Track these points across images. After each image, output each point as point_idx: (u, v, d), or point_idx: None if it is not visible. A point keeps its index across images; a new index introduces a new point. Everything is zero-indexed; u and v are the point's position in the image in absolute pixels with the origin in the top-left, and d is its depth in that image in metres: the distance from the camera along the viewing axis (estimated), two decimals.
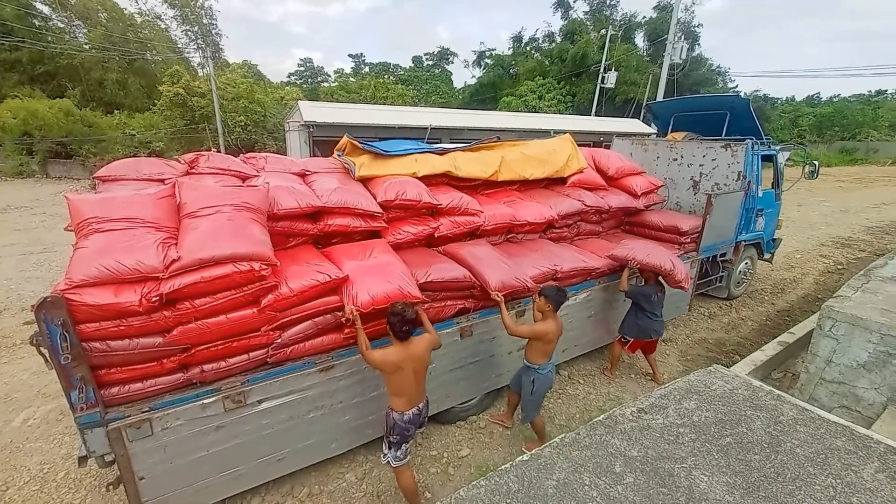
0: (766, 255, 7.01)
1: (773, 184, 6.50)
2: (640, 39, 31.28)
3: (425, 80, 40.92)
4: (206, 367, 2.60)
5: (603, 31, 26.22)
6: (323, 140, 10.55)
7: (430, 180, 4.15)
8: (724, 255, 5.93)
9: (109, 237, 2.44)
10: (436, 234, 3.88)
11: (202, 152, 3.61)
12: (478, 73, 36.98)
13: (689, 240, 5.23)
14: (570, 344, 4.41)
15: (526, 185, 4.98)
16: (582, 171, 5.17)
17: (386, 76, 37.96)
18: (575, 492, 1.73)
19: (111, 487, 2.69)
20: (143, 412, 2.44)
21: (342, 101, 24.44)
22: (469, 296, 3.58)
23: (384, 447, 2.89)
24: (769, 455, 1.93)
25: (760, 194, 6.06)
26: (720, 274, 6.22)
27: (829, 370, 3.58)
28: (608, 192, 5.30)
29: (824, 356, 3.63)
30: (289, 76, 42.97)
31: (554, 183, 5.17)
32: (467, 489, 1.74)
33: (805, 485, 1.77)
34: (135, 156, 16.69)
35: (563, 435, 2.07)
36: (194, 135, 21.17)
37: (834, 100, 41.66)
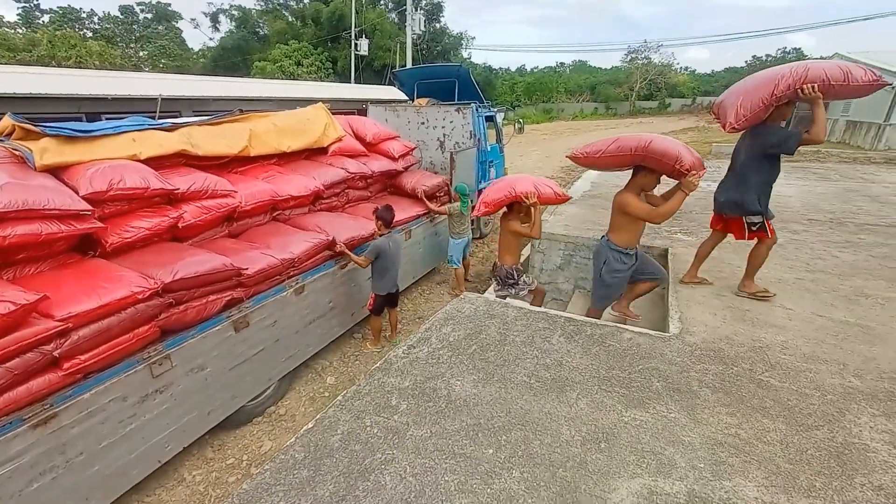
0: None
1: (496, 139, 8.06)
2: (386, 6, 32.23)
3: (146, 38, 32.59)
4: None
5: None
6: None
7: (161, 162, 3.49)
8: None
9: None
10: (180, 225, 3.33)
11: None
12: (216, 34, 31.74)
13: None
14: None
15: (285, 158, 4.74)
16: (341, 140, 5.23)
17: (72, 27, 28.42)
18: (359, 436, 1.90)
19: None
20: None
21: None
22: (236, 285, 3.28)
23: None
24: (500, 349, 2.54)
25: (489, 149, 7.44)
26: (472, 218, 7.47)
27: (542, 276, 4.87)
28: (369, 157, 5.56)
29: (538, 266, 4.91)
30: None
31: (315, 153, 5.08)
32: (251, 479, 1.69)
33: (521, 361, 2.42)
34: None
35: (345, 392, 2.20)
36: None
37: (535, 71, 53.92)
